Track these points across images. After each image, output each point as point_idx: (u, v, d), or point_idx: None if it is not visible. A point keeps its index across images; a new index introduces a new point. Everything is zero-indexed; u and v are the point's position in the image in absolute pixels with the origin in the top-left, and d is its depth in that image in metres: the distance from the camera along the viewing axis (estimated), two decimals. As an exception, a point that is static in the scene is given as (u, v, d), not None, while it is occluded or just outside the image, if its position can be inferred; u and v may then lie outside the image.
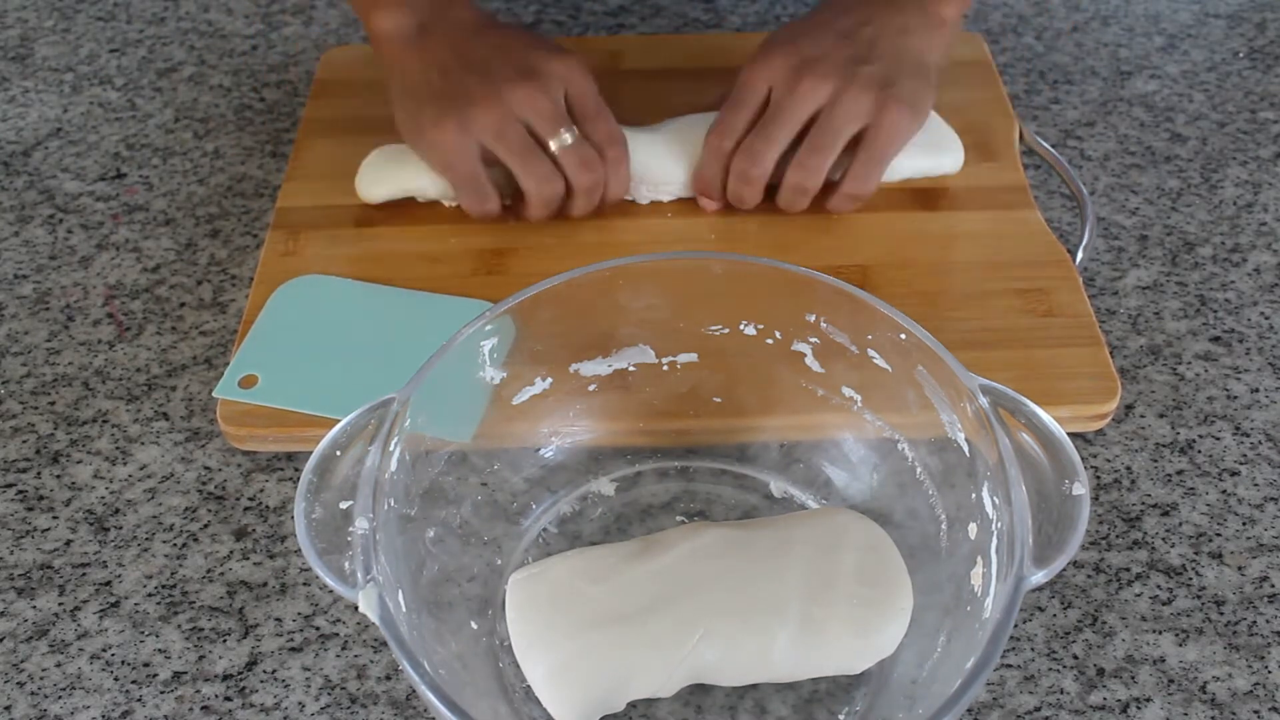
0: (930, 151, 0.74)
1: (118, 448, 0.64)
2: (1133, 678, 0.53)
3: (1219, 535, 0.59)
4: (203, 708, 0.53)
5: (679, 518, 0.59)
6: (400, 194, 0.73)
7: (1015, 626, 0.51)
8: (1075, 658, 0.54)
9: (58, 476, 0.62)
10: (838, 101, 0.68)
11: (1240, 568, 0.58)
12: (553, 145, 0.68)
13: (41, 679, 0.54)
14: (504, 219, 0.72)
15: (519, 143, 0.67)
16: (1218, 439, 0.63)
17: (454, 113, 0.67)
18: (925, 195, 0.74)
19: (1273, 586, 0.57)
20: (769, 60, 0.69)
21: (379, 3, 0.71)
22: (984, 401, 0.49)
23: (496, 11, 0.97)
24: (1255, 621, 0.55)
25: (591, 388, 0.60)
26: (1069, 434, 0.48)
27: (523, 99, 0.67)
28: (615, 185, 0.71)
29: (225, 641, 0.55)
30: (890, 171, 0.73)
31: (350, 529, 0.46)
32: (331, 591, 0.56)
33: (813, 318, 0.57)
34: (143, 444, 0.64)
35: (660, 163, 0.73)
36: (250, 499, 0.61)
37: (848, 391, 0.58)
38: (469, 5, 0.73)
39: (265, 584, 0.57)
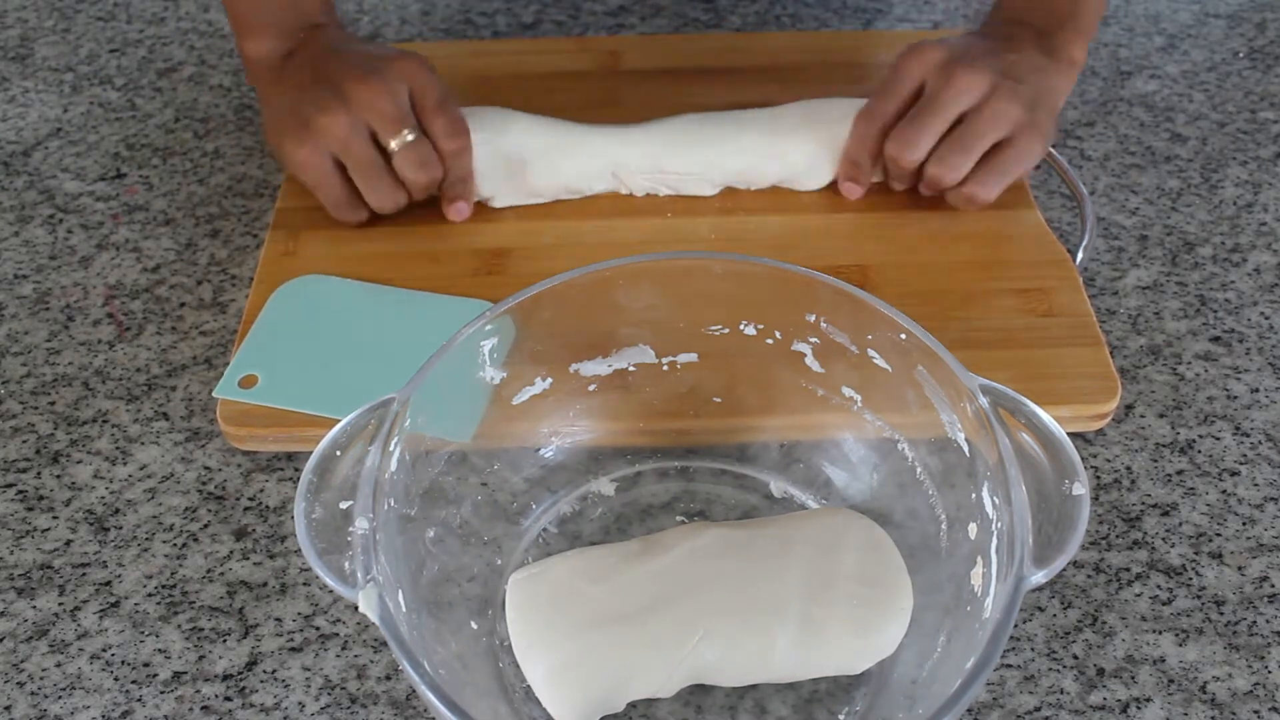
0: None
1: (118, 448, 0.64)
2: (1133, 678, 0.53)
3: (1219, 535, 0.59)
4: (203, 708, 0.53)
5: (679, 518, 0.59)
6: None
7: (1015, 626, 0.51)
8: (1075, 658, 0.54)
9: (58, 476, 0.62)
10: (988, 103, 0.68)
11: (1240, 568, 0.58)
12: (393, 145, 0.68)
13: (41, 679, 0.54)
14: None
15: (364, 158, 0.69)
16: (1218, 439, 0.63)
17: (307, 128, 0.68)
18: (925, 195, 0.74)
19: (1273, 586, 0.57)
20: (925, 53, 0.70)
21: (251, 30, 0.73)
22: (984, 401, 0.49)
23: (496, 11, 0.97)
24: (1255, 621, 0.55)
25: (591, 388, 0.60)
26: (1069, 434, 0.48)
27: (364, 98, 0.67)
28: (454, 174, 0.71)
29: (225, 641, 0.55)
30: None
31: (350, 529, 0.46)
32: (331, 591, 0.56)
33: (813, 318, 0.57)
34: (143, 444, 0.64)
35: (653, 151, 0.73)
36: (250, 499, 0.61)
37: (848, 391, 0.58)
38: (338, 27, 0.75)
39: (265, 584, 0.57)
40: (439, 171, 0.70)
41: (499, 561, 0.57)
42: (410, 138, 0.69)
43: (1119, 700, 0.53)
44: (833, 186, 0.74)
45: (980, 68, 0.68)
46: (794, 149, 0.73)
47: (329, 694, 0.53)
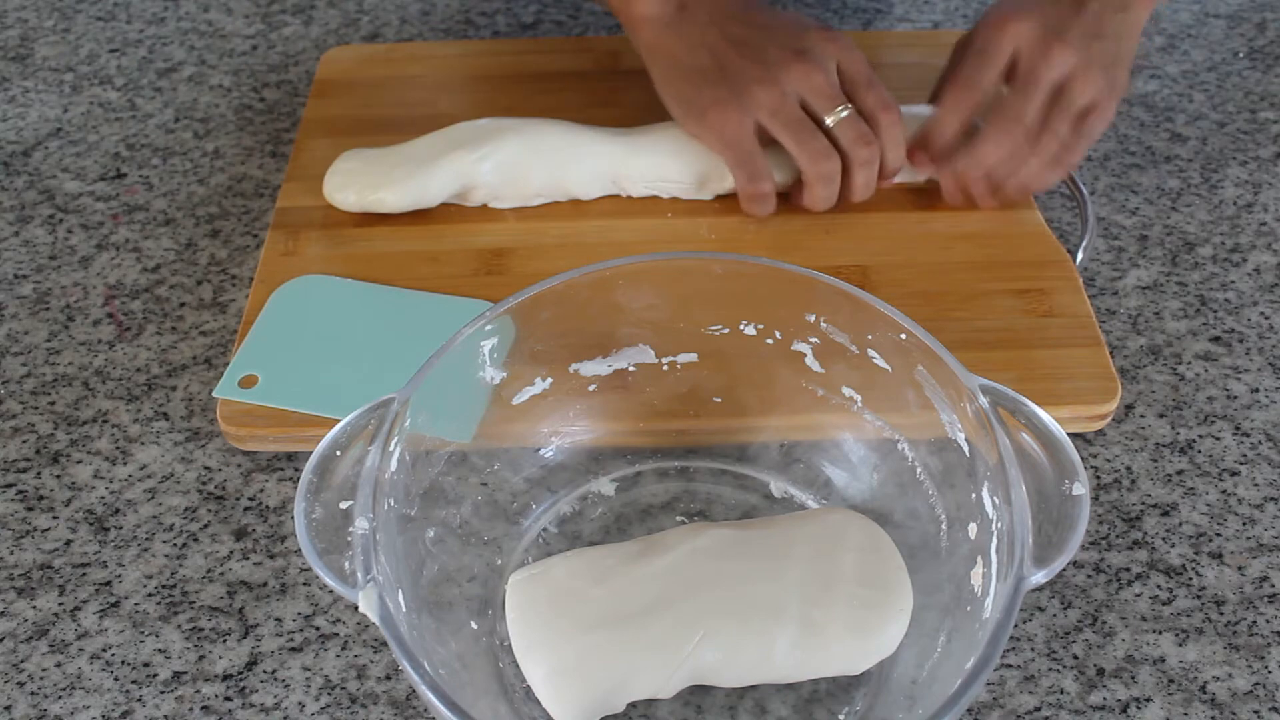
0: None
1: (118, 448, 0.64)
2: (1133, 678, 0.53)
3: (1219, 535, 0.59)
4: (203, 708, 0.53)
5: (679, 518, 0.59)
6: (365, 206, 0.72)
7: (1015, 626, 0.51)
8: (1075, 658, 0.54)
9: (58, 476, 0.62)
10: (1078, 76, 0.67)
11: (1240, 568, 0.58)
12: (829, 120, 0.68)
13: (41, 679, 0.54)
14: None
15: (795, 120, 0.68)
16: (1218, 439, 0.63)
17: (732, 93, 0.68)
18: (925, 195, 0.74)
19: (1273, 586, 0.57)
20: (1017, 23, 0.68)
21: None
22: (984, 401, 0.49)
23: (496, 11, 0.97)
24: (1255, 621, 0.55)
25: (591, 388, 0.60)
26: (1069, 434, 0.48)
27: (799, 77, 0.68)
28: (892, 155, 0.71)
29: (225, 641, 0.55)
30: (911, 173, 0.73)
31: (350, 529, 0.46)
32: (331, 591, 0.56)
33: (813, 318, 0.57)
34: (143, 444, 0.64)
35: (658, 160, 0.73)
36: (250, 499, 0.61)
37: (848, 391, 0.58)
38: None
39: (265, 584, 0.57)
40: (876, 146, 0.69)
41: (499, 561, 0.57)
42: (845, 113, 0.68)
43: (1119, 700, 0.53)
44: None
45: (1071, 39, 0.67)
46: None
47: (329, 694, 0.53)
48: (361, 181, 0.72)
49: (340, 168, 0.73)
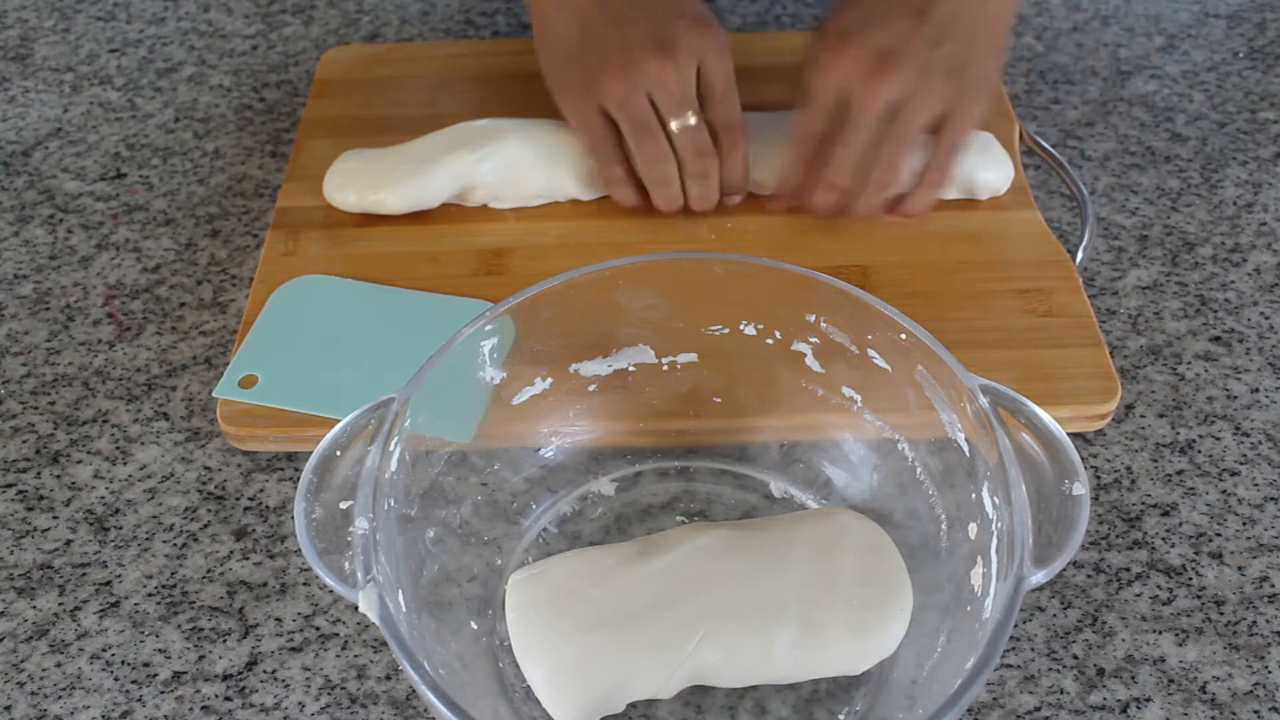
0: (978, 168, 0.73)
1: (118, 448, 0.64)
2: (1133, 678, 0.53)
3: (1219, 535, 0.59)
4: (203, 708, 0.53)
5: (679, 518, 0.59)
6: (365, 207, 0.72)
7: (1015, 626, 0.51)
8: (1075, 658, 0.54)
9: (58, 476, 0.62)
10: (914, 96, 0.65)
11: (1240, 568, 0.58)
12: (673, 126, 0.68)
13: (41, 679, 0.54)
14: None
15: (638, 117, 0.67)
16: (1218, 439, 0.63)
17: (585, 78, 0.68)
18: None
19: (1273, 586, 0.57)
20: (841, 59, 0.66)
21: None
22: (984, 401, 0.49)
23: (496, 11, 0.97)
24: (1255, 621, 0.55)
25: (591, 388, 0.60)
26: (1069, 434, 0.48)
27: (652, 72, 0.66)
28: (729, 175, 0.70)
29: (225, 641, 0.55)
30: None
31: (350, 529, 0.46)
32: (331, 591, 0.56)
33: (813, 318, 0.57)
34: (143, 444, 0.64)
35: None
36: (250, 499, 0.61)
37: (848, 391, 0.58)
38: None
39: (265, 584, 0.57)
40: (714, 162, 0.69)
41: (499, 561, 0.57)
42: (690, 121, 0.68)
43: (1119, 700, 0.53)
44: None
45: (902, 65, 0.64)
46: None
47: (329, 694, 0.53)
48: (361, 182, 0.72)
49: (340, 168, 0.73)
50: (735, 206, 0.73)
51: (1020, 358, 0.64)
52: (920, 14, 0.66)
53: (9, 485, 0.62)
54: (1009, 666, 0.54)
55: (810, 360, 0.58)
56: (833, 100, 0.67)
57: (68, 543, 0.59)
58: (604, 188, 0.73)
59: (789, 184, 0.70)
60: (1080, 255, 0.71)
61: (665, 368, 0.60)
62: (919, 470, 0.56)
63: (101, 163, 0.83)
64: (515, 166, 0.72)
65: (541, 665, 0.50)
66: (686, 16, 0.68)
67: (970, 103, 0.67)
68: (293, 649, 0.55)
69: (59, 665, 0.54)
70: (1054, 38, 0.93)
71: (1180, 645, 0.55)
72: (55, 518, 0.60)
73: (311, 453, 0.48)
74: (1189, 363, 0.67)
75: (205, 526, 0.60)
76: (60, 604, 0.57)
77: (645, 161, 0.69)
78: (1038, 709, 0.52)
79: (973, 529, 0.51)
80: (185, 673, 0.54)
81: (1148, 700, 0.53)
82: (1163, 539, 0.59)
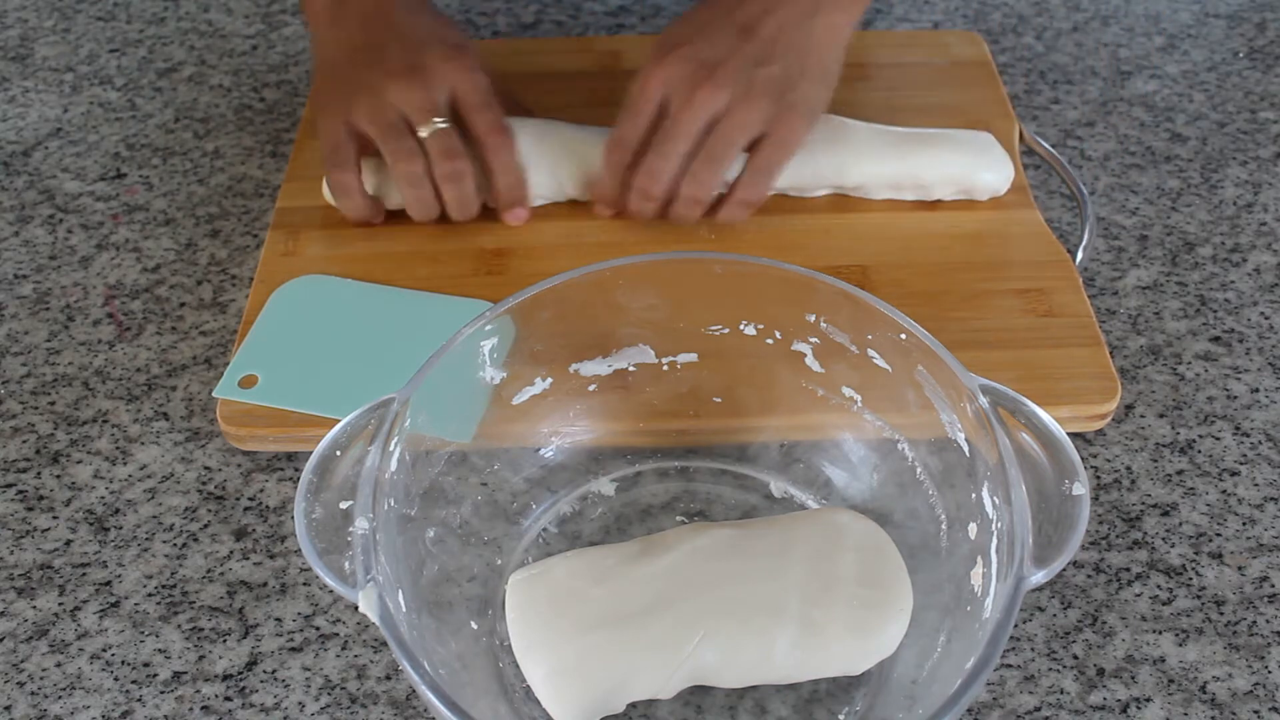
0: (978, 169, 0.72)
1: (118, 448, 0.64)
2: (1133, 678, 0.53)
3: (1219, 535, 0.59)
4: (203, 708, 0.53)
5: (679, 518, 0.59)
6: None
7: (1015, 626, 0.51)
8: (1075, 658, 0.54)
9: (58, 476, 0.62)
10: (733, 112, 0.65)
11: (1240, 568, 0.58)
12: (421, 132, 0.68)
13: (41, 679, 0.54)
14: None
15: (387, 123, 0.67)
16: (1218, 439, 0.63)
17: (340, 98, 0.68)
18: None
19: (1273, 586, 0.57)
20: (665, 66, 0.66)
21: None
22: (984, 401, 0.49)
23: (496, 11, 0.97)
24: (1255, 621, 0.55)
25: (591, 388, 0.60)
26: (1069, 434, 0.48)
27: (399, 92, 0.67)
28: (500, 179, 0.70)
29: (225, 641, 0.55)
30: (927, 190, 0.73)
31: (350, 529, 0.46)
32: (331, 591, 0.56)
33: (813, 318, 0.57)
34: (143, 444, 0.64)
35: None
36: (250, 499, 0.61)
37: (848, 391, 0.58)
38: None
39: (265, 584, 0.57)
40: (466, 164, 0.69)
41: (499, 561, 0.57)
42: (440, 126, 0.68)
43: (1119, 700, 0.53)
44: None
45: (722, 76, 0.65)
46: (798, 162, 0.73)
47: (329, 694, 0.53)
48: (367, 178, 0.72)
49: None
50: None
51: (1020, 358, 0.64)
52: (746, 32, 0.66)
53: (9, 485, 0.62)
54: (1009, 666, 0.54)
55: (810, 360, 0.58)
56: (652, 108, 0.67)
57: (68, 543, 0.59)
58: (333, 195, 0.71)
59: (602, 190, 0.70)
60: (1080, 255, 0.71)
61: (665, 368, 0.60)
62: (919, 470, 0.56)
63: (101, 163, 0.83)
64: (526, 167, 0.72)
65: (541, 665, 0.50)
66: (442, 45, 0.69)
67: (791, 126, 0.67)
68: (293, 649, 0.55)
69: (59, 665, 0.54)
70: (1054, 38, 0.93)
71: (1180, 645, 0.55)
72: (55, 518, 0.60)
73: (311, 453, 0.48)
74: (1189, 363, 0.67)
75: (205, 526, 0.60)
76: (60, 604, 0.57)
77: (393, 159, 0.68)
78: (1038, 709, 0.52)
79: (973, 529, 0.51)
80: (185, 673, 0.54)
81: (1148, 700, 0.53)
82: (1163, 539, 0.59)
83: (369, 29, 0.70)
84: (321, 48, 0.72)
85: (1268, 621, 0.55)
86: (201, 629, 0.56)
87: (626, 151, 0.68)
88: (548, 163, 0.72)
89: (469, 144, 0.69)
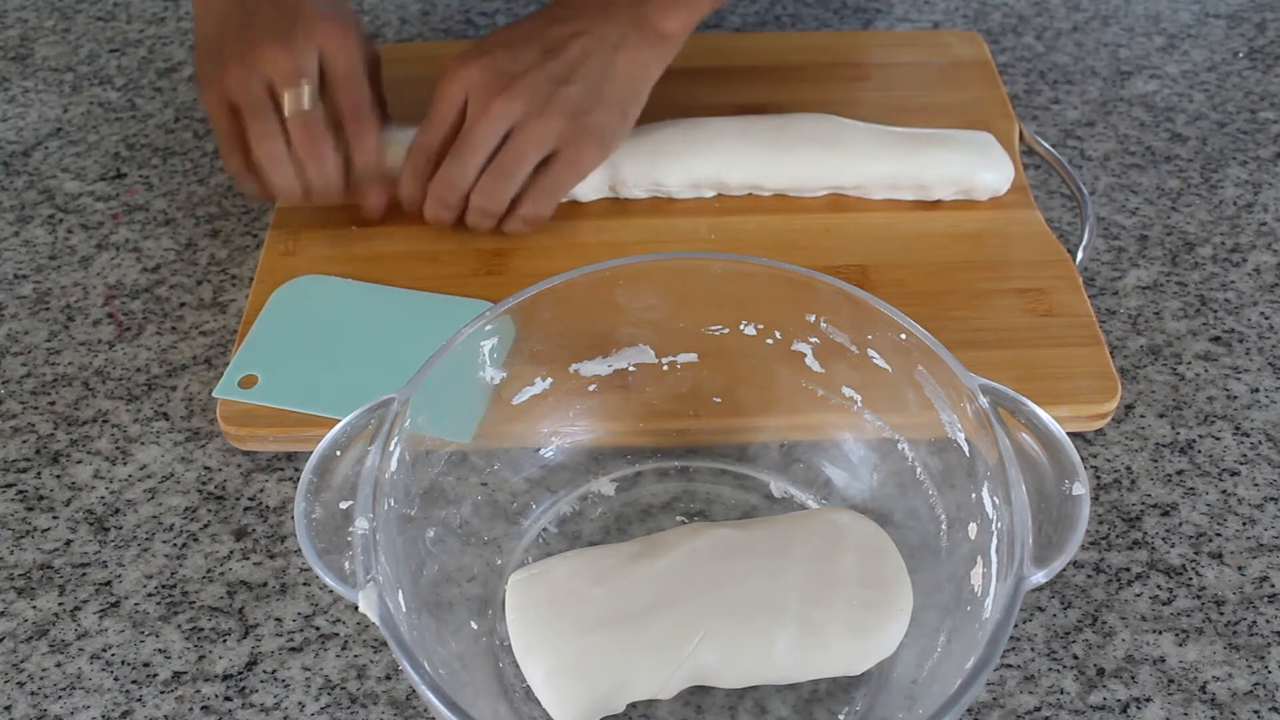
0: (978, 169, 0.72)
1: (118, 448, 0.64)
2: (1133, 678, 0.53)
3: (1219, 535, 0.59)
4: (203, 708, 0.53)
5: (679, 518, 0.59)
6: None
7: (1015, 626, 0.51)
8: (1075, 658, 0.54)
9: (58, 476, 0.62)
10: (526, 126, 0.66)
11: (1240, 568, 0.58)
12: (286, 108, 0.66)
13: (41, 679, 0.54)
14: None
15: (253, 99, 0.66)
16: (1218, 439, 0.63)
17: (214, 71, 0.67)
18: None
19: (1273, 586, 0.57)
20: (466, 70, 0.67)
21: None
22: (984, 401, 0.49)
23: (496, 11, 0.97)
24: (1255, 621, 0.55)
25: (591, 388, 0.60)
26: (1069, 434, 0.48)
27: (269, 58, 0.65)
28: (360, 154, 0.68)
29: (225, 641, 0.55)
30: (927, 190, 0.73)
31: (350, 529, 0.46)
32: (331, 591, 0.56)
33: (813, 318, 0.57)
34: (143, 444, 0.64)
35: (655, 162, 0.73)
36: (250, 499, 0.61)
37: (848, 391, 0.58)
38: None
39: (265, 584, 0.57)
40: (326, 144, 0.67)
41: (499, 561, 0.57)
42: (304, 105, 0.66)
43: (1119, 700, 0.53)
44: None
45: (519, 89, 0.65)
46: (797, 162, 0.73)
47: (329, 694, 0.53)
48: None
49: None
50: (735, 207, 0.73)
51: (1020, 357, 0.64)
52: (551, 51, 0.67)
53: (9, 485, 0.62)
54: (1009, 666, 0.54)
55: (810, 360, 0.58)
56: (452, 113, 0.67)
57: (68, 543, 0.59)
58: (232, 179, 0.70)
59: (404, 194, 0.70)
60: (1080, 255, 0.71)
61: (665, 368, 0.60)
62: (919, 470, 0.56)
63: (101, 163, 0.83)
64: None
65: (541, 665, 0.50)
66: (315, 9, 0.67)
67: (583, 148, 0.67)
68: (293, 649, 0.55)
69: (59, 665, 0.54)
70: (1054, 38, 0.93)
71: (1180, 645, 0.55)
72: (55, 518, 0.60)
73: (311, 453, 0.48)
74: (1189, 363, 0.67)
75: (205, 526, 0.60)
76: (60, 604, 0.57)
77: (253, 139, 0.66)
78: (1038, 709, 0.52)
79: (973, 529, 0.51)
80: (185, 673, 0.54)
81: (1148, 700, 0.53)
82: (1163, 539, 0.59)
83: (243, 3, 0.68)
84: (199, 23, 0.71)
85: (1268, 621, 0.55)
86: (201, 629, 0.56)
87: (427, 157, 0.68)
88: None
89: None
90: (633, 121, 0.70)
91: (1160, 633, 0.55)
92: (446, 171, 0.67)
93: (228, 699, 0.53)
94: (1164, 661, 0.54)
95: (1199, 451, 0.63)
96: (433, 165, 0.69)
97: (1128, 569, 0.58)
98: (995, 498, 0.48)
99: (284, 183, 0.67)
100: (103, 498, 0.61)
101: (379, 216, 0.71)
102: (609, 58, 0.68)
